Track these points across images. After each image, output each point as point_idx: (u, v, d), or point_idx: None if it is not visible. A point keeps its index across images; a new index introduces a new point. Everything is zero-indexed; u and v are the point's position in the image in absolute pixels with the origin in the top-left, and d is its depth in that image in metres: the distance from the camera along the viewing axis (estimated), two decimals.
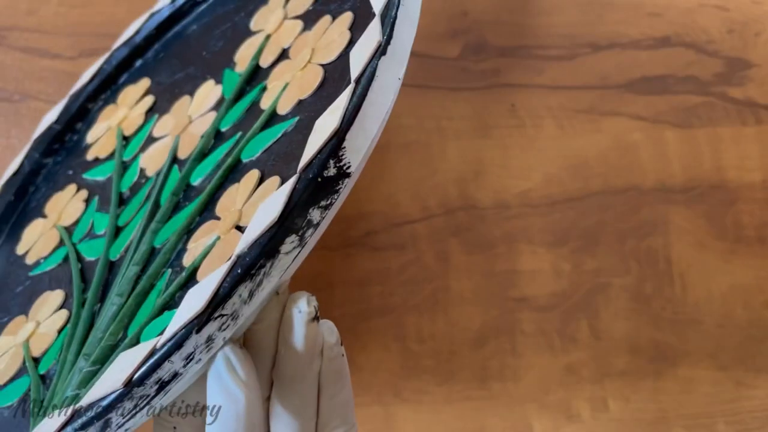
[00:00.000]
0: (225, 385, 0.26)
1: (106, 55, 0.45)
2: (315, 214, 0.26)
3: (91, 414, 0.25)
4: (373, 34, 0.29)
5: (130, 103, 0.42)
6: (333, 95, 0.29)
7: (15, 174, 0.43)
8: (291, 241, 0.26)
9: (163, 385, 0.26)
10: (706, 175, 0.47)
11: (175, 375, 0.26)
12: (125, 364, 0.26)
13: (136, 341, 0.28)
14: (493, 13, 0.49)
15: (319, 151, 0.26)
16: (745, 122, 0.48)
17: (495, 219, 0.47)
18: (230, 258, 0.26)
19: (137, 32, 0.44)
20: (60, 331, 0.32)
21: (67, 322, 0.32)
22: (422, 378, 0.46)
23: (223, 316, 0.25)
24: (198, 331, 0.25)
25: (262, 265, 0.26)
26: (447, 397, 0.46)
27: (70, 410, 0.26)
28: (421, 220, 0.47)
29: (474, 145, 0.48)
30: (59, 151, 0.44)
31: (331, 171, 0.26)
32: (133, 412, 0.26)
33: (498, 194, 0.47)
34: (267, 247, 0.25)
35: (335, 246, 0.47)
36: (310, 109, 0.31)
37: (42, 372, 0.31)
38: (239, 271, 0.25)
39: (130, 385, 0.25)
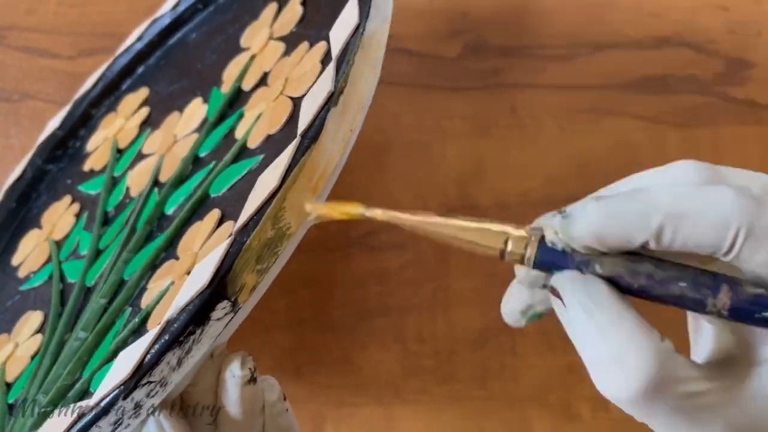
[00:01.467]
0: None
1: (109, 61, 0.45)
2: (250, 279, 0.25)
3: None
4: (324, 83, 0.28)
5: (128, 113, 0.42)
6: (295, 135, 0.28)
7: (18, 180, 0.43)
8: (222, 307, 0.25)
9: None
10: None
11: None
12: (56, 426, 0.25)
13: (87, 386, 0.28)
14: (493, 13, 0.49)
15: (257, 212, 0.25)
16: (745, 122, 0.48)
17: (495, 219, 0.47)
18: (159, 323, 0.25)
19: (139, 38, 0.44)
20: (33, 357, 0.32)
21: (40, 347, 0.32)
22: (422, 378, 0.46)
23: (150, 383, 0.25)
24: (125, 398, 0.25)
25: (191, 331, 0.25)
26: (447, 397, 0.46)
27: None
28: None
29: (474, 145, 0.47)
30: (61, 158, 0.43)
31: (269, 233, 0.25)
32: None
33: (498, 194, 0.47)
34: (196, 314, 0.24)
35: (335, 246, 0.47)
36: (277, 145, 0.30)
37: (10, 401, 0.31)
38: (167, 337, 0.24)
39: None
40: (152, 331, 0.25)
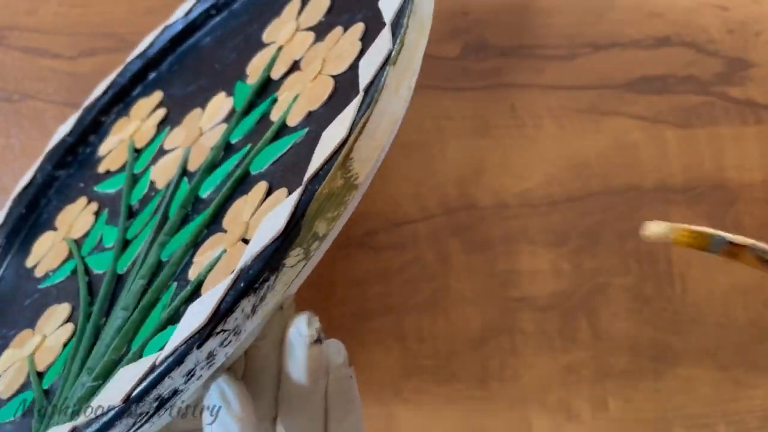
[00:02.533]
0: (220, 419, 0.26)
1: (120, 68, 0.45)
2: (321, 227, 0.26)
3: (90, 431, 0.25)
4: (382, 43, 0.29)
5: (143, 116, 0.42)
6: (343, 106, 0.29)
7: (27, 186, 0.43)
8: (296, 254, 0.25)
9: (162, 402, 0.25)
10: (706, 175, 0.47)
11: (176, 392, 0.25)
12: (125, 380, 0.25)
13: (139, 356, 0.27)
14: (493, 13, 0.49)
15: (326, 162, 0.26)
16: (745, 122, 0.48)
17: (495, 219, 0.47)
18: (233, 271, 0.25)
19: (151, 45, 0.44)
20: (65, 345, 0.32)
21: (73, 335, 0.32)
22: (422, 378, 0.46)
23: (225, 331, 0.25)
24: (199, 347, 0.25)
25: (265, 278, 0.25)
26: (447, 397, 0.46)
27: (68, 428, 0.25)
28: (421, 220, 0.47)
29: (474, 145, 0.47)
30: (72, 164, 0.44)
31: (339, 182, 0.26)
32: (133, 428, 0.25)
33: (498, 194, 0.47)
34: (271, 260, 0.25)
35: (335, 246, 0.46)
36: (320, 120, 0.30)
37: (46, 387, 0.31)
38: (242, 284, 0.25)
39: (129, 401, 0.25)
40: (226, 279, 0.25)
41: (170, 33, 0.44)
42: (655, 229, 0.26)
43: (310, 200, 0.25)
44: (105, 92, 0.45)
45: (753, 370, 0.46)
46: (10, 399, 0.32)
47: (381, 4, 0.31)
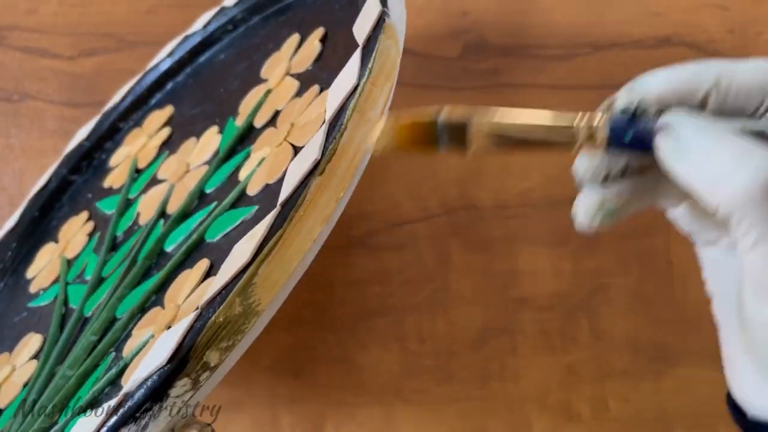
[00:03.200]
0: None
1: (139, 75, 0.45)
2: (213, 357, 0.24)
3: None
4: (312, 149, 0.26)
5: (151, 132, 0.42)
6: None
7: (42, 189, 0.43)
8: (183, 384, 0.24)
9: None
10: None
11: None
12: None
13: (75, 415, 0.27)
14: (493, 13, 0.49)
15: (225, 287, 0.24)
16: None
17: (495, 219, 0.47)
18: (118, 395, 0.24)
19: (170, 54, 0.45)
20: (24, 385, 0.31)
21: (31, 377, 0.31)
22: (422, 378, 0.46)
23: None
24: None
25: (148, 408, 0.24)
26: (447, 397, 0.46)
27: None
28: (421, 220, 0.47)
29: None
30: (86, 169, 0.44)
31: (237, 309, 0.24)
32: None
33: (498, 194, 0.47)
34: (155, 389, 0.23)
35: (335, 246, 0.47)
36: (272, 196, 0.28)
37: (2, 426, 0.30)
38: (123, 410, 0.24)
39: None
40: (108, 403, 0.24)
41: (190, 43, 0.44)
42: (377, 141, 0.23)
43: (202, 329, 0.24)
44: (124, 98, 0.45)
45: None
46: None
47: (329, 94, 0.29)
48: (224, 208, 0.30)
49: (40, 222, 0.42)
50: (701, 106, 0.24)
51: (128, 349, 0.28)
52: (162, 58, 0.45)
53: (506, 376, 0.46)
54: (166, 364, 0.23)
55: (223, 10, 0.44)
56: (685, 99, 0.24)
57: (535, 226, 0.46)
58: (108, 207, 0.39)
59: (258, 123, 0.35)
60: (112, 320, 0.31)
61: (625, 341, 0.46)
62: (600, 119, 0.25)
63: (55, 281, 0.37)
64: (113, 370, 0.27)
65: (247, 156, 0.33)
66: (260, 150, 0.33)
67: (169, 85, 0.45)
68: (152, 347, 0.25)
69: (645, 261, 0.46)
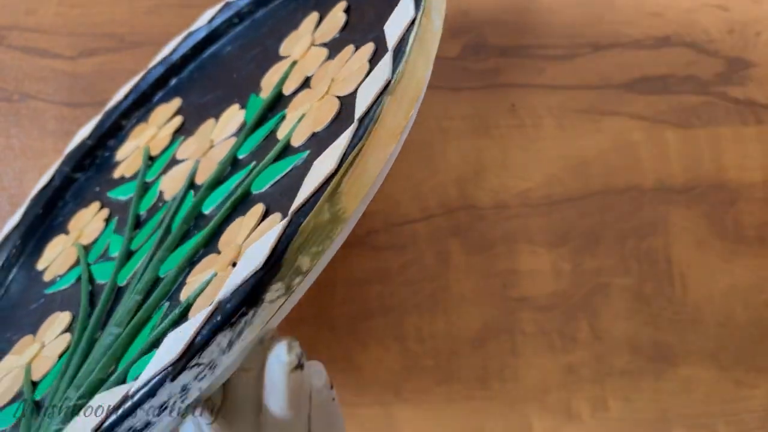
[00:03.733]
0: None
1: (142, 73, 0.45)
2: (304, 262, 0.25)
3: None
4: (382, 71, 0.28)
5: (160, 123, 0.42)
6: (344, 130, 0.28)
7: (45, 187, 0.43)
8: (276, 289, 0.25)
9: None
10: (706, 175, 0.47)
11: (148, 424, 0.24)
12: (96, 408, 0.25)
13: (123, 379, 0.27)
14: (493, 12, 0.49)
15: (313, 194, 0.25)
16: (745, 122, 0.48)
17: (495, 219, 0.47)
18: (212, 303, 0.25)
19: (174, 51, 0.45)
20: (60, 356, 0.32)
21: (68, 347, 0.32)
22: (422, 378, 0.46)
23: (199, 365, 0.24)
24: (173, 380, 0.24)
25: (243, 313, 0.24)
26: (447, 397, 0.46)
27: None
28: (421, 220, 0.47)
29: (474, 145, 0.47)
30: (90, 167, 0.44)
31: (325, 216, 0.25)
32: None
33: (498, 194, 0.47)
34: (250, 294, 0.24)
35: None
36: (322, 142, 0.30)
37: (38, 398, 0.30)
38: (219, 318, 0.24)
39: (100, 430, 0.24)
40: (203, 311, 0.25)
41: (193, 40, 0.44)
42: None
43: (294, 234, 0.25)
44: (126, 96, 0.45)
45: (753, 370, 0.46)
46: (5, 406, 0.32)
47: (386, 29, 0.31)
48: (268, 162, 0.31)
49: (43, 219, 0.42)
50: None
51: (185, 294, 0.28)
52: (165, 55, 0.45)
53: (506, 376, 0.46)
54: (260, 269, 0.24)
55: (228, 4, 0.44)
56: None
57: (535, 226, 0.47)
58: (123, 193, 0.39)
59: (287, 90, 0.36)
60: (156, 280, 0.31)
61: (625, 341, 0.46)
62: None
63: (74, 265, 0.37)
64: (176, 311, 0.28)
65: (282, 118, 0.34)
66: (296, 110, 0.33)
67: (173, 81, 0.45)
68: (245, 254, 0.25)
69: (645, 261, 0.46)
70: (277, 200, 0.29)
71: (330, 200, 0.25)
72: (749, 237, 0.47)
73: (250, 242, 0.28)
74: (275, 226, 0.26)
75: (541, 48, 0.48)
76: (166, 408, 0.24)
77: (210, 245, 0.30)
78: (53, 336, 0.33)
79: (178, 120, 0.41)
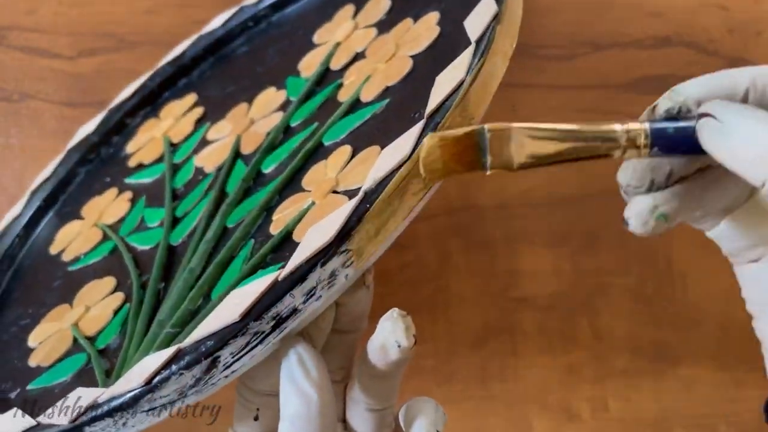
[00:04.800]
0: (298, 386, 0.26)
1: (150, 72, 0.46)
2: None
3: (199, 351, 0.25)
4: (487, 6, 0.30)
5: (177, 115, 0.43)
6: (424, 80, 0.30)
7: (46, 181, 0.44)
8: (417, 182, 0.26)
9: (279, 322, 0.25)
10: None
11: (294, 311, 0.25)
12: (241, 297, 0.25)
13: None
14: None
15: (446, 100, 0.27)
16: None
17: (495, 219, 0.47)
18: (360, 193, 0.26)
19: (184, 53, 0.46)
20: (116, 311, 0.33)
21: (123, 303, 0.33)
22: (422, 378, 0.46)
23: (348, 251, 0.25)
24: (323, 265, 0.25)
25: (390, 202, 0.26)
26: (447, 397, 0.46)
27: (172, 350, 0.25)
28: (422, 219, 0.47)
29: None
30: (93, 161, 0.44)
31: (457, 120, 0.27)
32: (244, 350, 0.25)
33: (498, 194, 0.47)
34: (395, 186, 0.26)
35: None
36: (399, 93, 0.32)
37: (100, 347, 0.31)
38: (367, 206, 0.25)
39: (248, 317, 0.25)
40: (350, 202, 0.26)
41: (205, 42, 0.46)
42: (424, 160, 0.25)
43: (435, 127, 0.26)
44: (133, 95, 0.46)
45: (753, 370, 0.46)
46: (53, 365, 0.32)
47: None
48: (339, 117, 0.33)
49: (46, 211, 0.43)
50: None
51: (277, 227, 0.30)
52: (175, 56, 0.46)
53: (506, 376, 0.46)
54: (407, 159, 0.26)
55: (241, 9, 0.46)
56: (725, 95, 0.25)
57: (535, 226, 0.47)
58: (145, 176, 0.40)
59: (336, 66, 0.37)
60: (224, 230, 0.32)
61: (625, 341, 0.46)
62: (642, 123, 0.25)
63: (101, 242, 0.38)
64: (274, 238, 0.29)
65: (339, 86, 0.36)
66: (355, 76, 0.35)
67: (182, 82, 0.46)
68: (384, 153, 0.27)
69: (645, 261, 0.46)
70: (362, 142, 0.30)
71: (461, 106, 0.27)
72: None
73: (348, 173, 0.29)
74: (413, 127, 0.27)
75: (541, 48, 0.48)
76: (313, 295, 0.25)
77: (287, 190, 0.31)
78: (100, 297, 0.35)
79: (198, 111, 0.42)
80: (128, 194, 0.40)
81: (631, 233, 0.27)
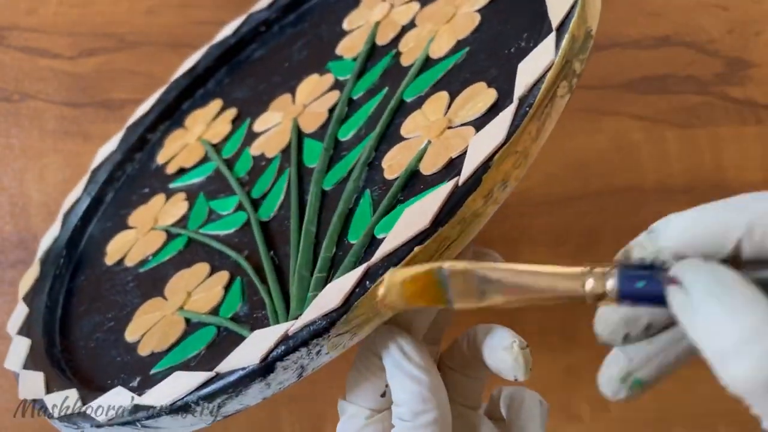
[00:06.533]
0: (406, 372, 0.27)
1: (165, 87, 0.46)
2: (577, 66, 0.30)
3: (391, 261, 0.26)
4: None
5: (206, 120, 0.44)
6: (496, 30, 0.33)
7: (77, 202, 0.44)
8: (563, 85, 0.28)
9: (464, 226, 0.27)
10: (706, 175, 0.47)
11: (475, 215, 0.27)
12: (426, 205, 0.27)
13: (371, 236, 0.29)
14: None
15: (563, 21, 0.30)
16: (745, 122, 0.48)
17: (495, 219, 0.47)
18: (512, 102, 0.28)
19: (197, 64, 0.46)
20: (227, 287, 0.34)
21: (231, 278, 0.34)
22: None
23: (517, 152, 0.27)
24: (498, 165, 0.27)
25: (545, 104, 0.28)
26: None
27: (361, 268, 0.26)
28: None
29: None
30: (120, 179, 0.45)
31: (581, 31, 0.30)
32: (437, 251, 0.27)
33: None
34: (549, 85, 0.28)
35: None
36: (477, 43, 0.34)
37: (229, 315, 0.32)
38: (527, 109, 0.27)
39: (437, 222, 0.26)
40: (508, 108, 0.27)
41: (217, 51, 0.46)
42: (384, 296, 0.25)
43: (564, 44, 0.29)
44: (150, 111, 0.46)
45: None
46: (173, 347, 0.33)
47: None
48: (413, 76, 0.35)
49: (84, 230, 0.44)
50: (733, 256, 0.21)
51: (394, 172, 0.31)
52: (189, 68, 0.46)
53: None
54: (550, 65, 0.28)
55: (251, 16, 0.46)
56: (711, 250, 0.21)
57: (535, 225, 0.47)
58: (194, 177, 0.41)
59: (383, 41, 0.39)
60: (323, 192, 0.34)
61: None
62: (610, 271, 0.22)
63: (171, 239, 0.38)
64: (400, 179, 0.30)
65: (396, 54, 0.37)
66: (412, 42, 0.37)
67: (200, 92, 0.46)
68: (526, 60, 0.29)
69: None
70: (455, 88, 0.32)
71: (580, 18, 0.30)
72: None
73: (459, 109, 0.31)
74: (545, 40, 0.29)
75: None
76: (490, 196, 0.27)
77: (383, 144, 0.33)
78: (199, 281, 0.35)
79: (232, 111, 0.43)
80: (181, 195, 0.41)
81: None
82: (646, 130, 0.48)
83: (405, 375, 0.27)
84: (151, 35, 0.51)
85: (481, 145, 0.27)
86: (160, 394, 0.28)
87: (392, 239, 0.27)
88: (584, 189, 0.47)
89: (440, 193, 0.27)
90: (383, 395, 0.28)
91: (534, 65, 0.29)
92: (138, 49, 0.50)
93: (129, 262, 0.39)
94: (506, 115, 0.27)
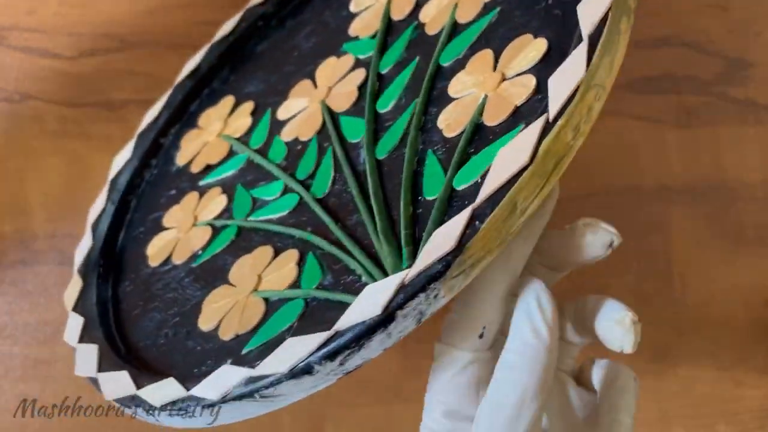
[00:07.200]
0: (533, 323, 0.28)
1: (170, 90, 0.46)
2: (632, 2, 0.32)
3: (495, 200, 0.27)
4: None
5: (222, 117, 0.44)
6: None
7: (102, 213, 0.44)
8: (624, 20, 0.31)
9: (557, 163, 0.28)
10: (706, 175, 0.47)
11: (561, 157, 0.28)
12: (515, 151, 0.27)
13: (450, 190, 0.30)
14: None
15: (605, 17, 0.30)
16: (745, 122, 0.48)
17: None
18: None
19: (200, 65, 0.46)
20: (300, 264, 0.34)
21: (301, 256, 0.34)
22: (422, 378, 0.46)
23: (597, 86, 0.28)
24: (581, 100, 0.28)
25: (614, 40, 0.30)
26: None
27: (467, 211, 0.27)
28: None
29: None
30: (141, 186, 0.45)
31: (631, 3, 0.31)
32: (536, 192, 0.28)
33: None
34: (606, 41, 0.29)
35: None
36: (503, 3, 0.34)
37: (314, 286, 0.32)
38: (597, 44, 0.29)
39: (533, 159, 0.27)
40: (581, 45, 0.28)
41: (218, 50, 0.46)
42: None
43: (600, 33, 0.29)
44: (159, 116, 0.46)
45: (753, 370, 0.46)
46: (258, 327, 0.33)
47: None
48: (445, 42, 0.35)
49: (116, 240, 0.43)
50: None
51: (454, 129, 0.32)
52: (192, 69, 0.46)
53: None
54: (598, 29, 0.29)
55: (248, 11, 0.46)
56: None
57: None
58: (225, 171, 0.41)
59: (399, 16, 0.39)
60: (377, 162, 0.34)
61: None
62: None
63: (216, 234, 0.38)
64: (466, 132, 0.31)
65: (417, 26, 0.38)
66: (435, 10, 0.37)
67: (206, 92, 0.46)
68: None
69: (645, 261, 0.46)
70: (498, 45, 0.33)
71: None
72: (749, 237, 0.47)
73: (508, 62, 0.32)
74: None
75: None
76: (578, 129, 0.28)
77: (431, 106, 0.34)
78: (266, 263, 0.35)
79: (249, 105, 0.43)
80: (216, 190, 0.40)
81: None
82: (646, 130, 0.48)
83: (530, 326, 0.28)
84: (151, 35, 0.51)
85: (563, 81, 0.28)
86: (275, 363, 0.29)
87: (493, 181, 0.27)
88: (584, 189, 0.47)
89: (532, 131, 0.27)
90: (481, 336, 0.30)
91: (595, 4, 0.30)
92: (138, 49, 0.51)
93: (177, 260, 0.39)
94: (581, 52, 0.28)
